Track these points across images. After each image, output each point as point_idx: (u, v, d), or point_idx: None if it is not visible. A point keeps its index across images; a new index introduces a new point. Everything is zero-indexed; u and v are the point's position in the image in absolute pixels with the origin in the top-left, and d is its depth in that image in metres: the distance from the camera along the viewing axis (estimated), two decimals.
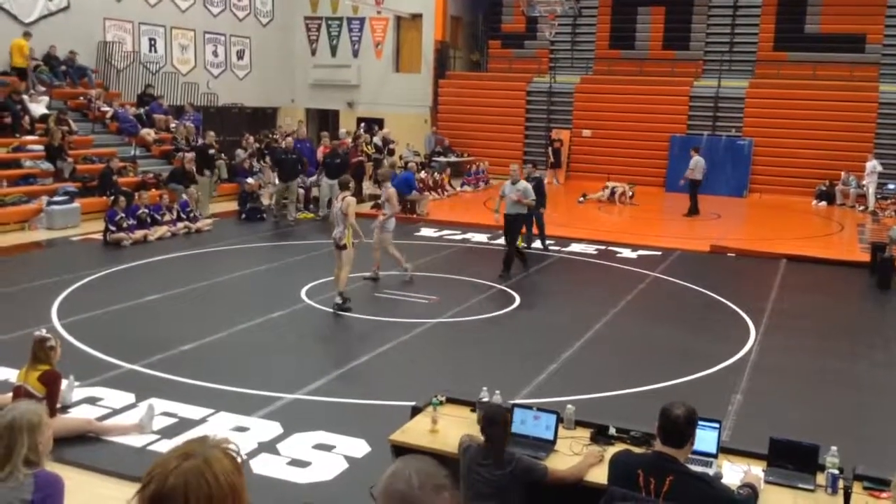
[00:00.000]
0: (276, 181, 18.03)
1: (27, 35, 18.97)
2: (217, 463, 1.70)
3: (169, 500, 1.64)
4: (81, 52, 20.39)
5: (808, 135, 22.68)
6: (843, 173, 21.58)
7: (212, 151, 17.53)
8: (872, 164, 20.38)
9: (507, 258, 12.50)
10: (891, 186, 21.49)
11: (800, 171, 22.70)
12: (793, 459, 4.31)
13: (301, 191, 17.84)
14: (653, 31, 26.06)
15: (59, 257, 13.01)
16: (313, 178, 18.35)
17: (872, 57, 23.70)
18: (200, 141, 19.18)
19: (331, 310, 10.05)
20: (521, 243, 13.68)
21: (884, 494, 4.02)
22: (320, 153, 18.96)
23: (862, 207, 20.59)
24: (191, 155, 17.99)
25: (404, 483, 1.70)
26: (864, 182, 20.76)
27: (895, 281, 12.63)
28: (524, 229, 13.50)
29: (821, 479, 4.21)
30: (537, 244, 14.31)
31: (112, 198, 14.64)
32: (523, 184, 12.58)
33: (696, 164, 18.97)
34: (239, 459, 1.76)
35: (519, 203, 12.35)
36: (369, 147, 21.93)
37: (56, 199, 15.37)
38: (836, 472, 4.17)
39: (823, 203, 21.51)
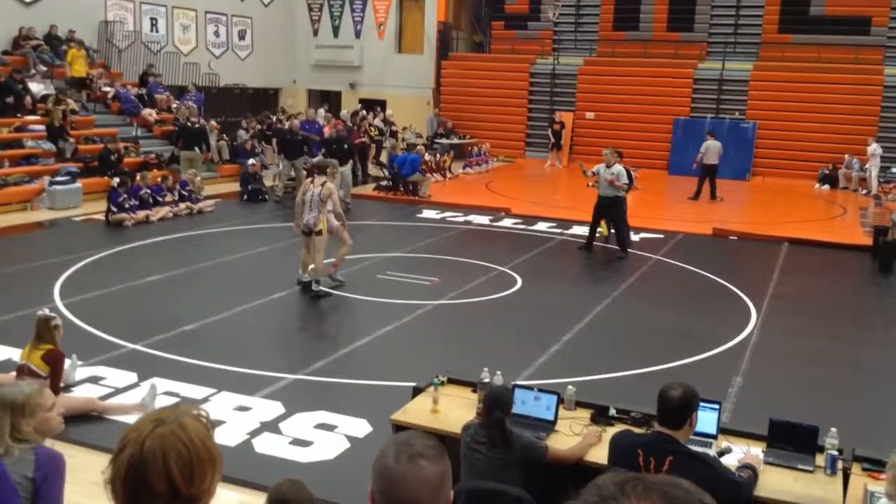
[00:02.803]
0: (281, 163, 17.99)
1: (82, 44, 19.31)
2: (192, 428, 1.72)
3: (147, 463, 1.65)
4: (82, 31, 20.31)
5: (812, 118, 22.59)
6: (846, 156, 21.52)
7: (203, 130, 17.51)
8: (874, 147, 20.33)
9: (619, 239, 12.87)
10: (894, 170, 21.43)
11: (803, 154, 22.64)
12: (792, 441, 4.32)
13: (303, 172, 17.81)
14: (657, 13, 25.89)
15: (62, 237, 13.02)
16: (317, 159, 18.28)
17: (878, 40, 23.56)
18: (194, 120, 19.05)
19: (332, 290, 10.07)
20: (605, 232, 13.67)
21: (882, 475, 4.03)
22: (327, 133, 18.94)
23: (865, 191, 20.55)
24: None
25: (385, 457, 1.72)
26: (866, 165, 20.72)
27: None
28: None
29: (820, 460, 4.23)
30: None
31: (114, 179, 14.64)
32: (618, 167, 12.81)
33: (707, 148, 19.02)
34: (210, 427, 1.77)
35: (612, 185, 12.65)
36: (372, 129, 21.88)
37: (58, 179, 15.36)
38: (836, 453, 4.19)
39: (826, 186, 21.46)
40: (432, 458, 1.68)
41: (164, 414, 1.75)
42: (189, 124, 18.18)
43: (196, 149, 17.73)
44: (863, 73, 22.68)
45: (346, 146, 17.02)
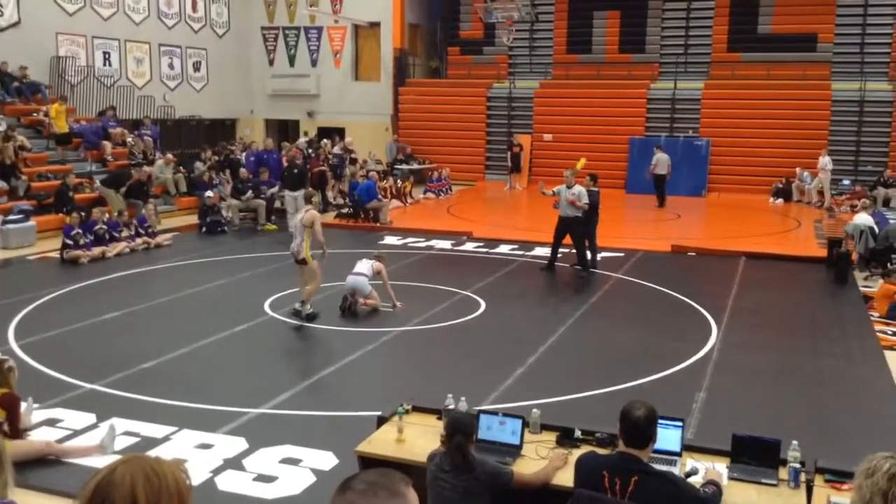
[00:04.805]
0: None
1: (63, 99, 19.10)
2: (167, 465, 1.71)
3: (115, 486, 1.63)
4: (34, 67, 20.06)
5: (763, 133, 23.07)
6: (797, 170, 21.97)
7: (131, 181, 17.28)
8: (825, 161, 20.84)
9: (579, 258, 13.06)
10: (846, 182, 21.93)
11: (757, 169, 23.09)
12: (755, 455, 4.35)
13: (261, 202, 17.77)
14: (609, 35, 26.34)
15: (15, 277, 12.75)
16: (274, 190, 18.28)
17: (824, 56, 24.20)
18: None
19: (295, 321, 9.98)
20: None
21: (845, 486, 4.07)
22: (285, 162, 19.02)
23: (820, 203, 20.96)
24: (148, 168, 17.75)
25: None
26: (817, 177, 21.18)
27: (852, 275, 12.89)
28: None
29: (783, 473, 4.27)
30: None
31: (68, 214, 14.41)
32: (578, 188, 12.99)
33: (658, 160, 21.18)
34: (188, 480, 1.73)
35: (573, 206, 12.80)
36: (331, 156, 21.85)
37: (11, 217, 15.07)
38: (798, 465, 4.22)
39: (780, 200, 21.88)
40: (363, 493, 1.61)
41: (142, 455, 1.74)
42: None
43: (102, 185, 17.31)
44: (811, 89, 23.25)
45: (296, 171, 17.37)
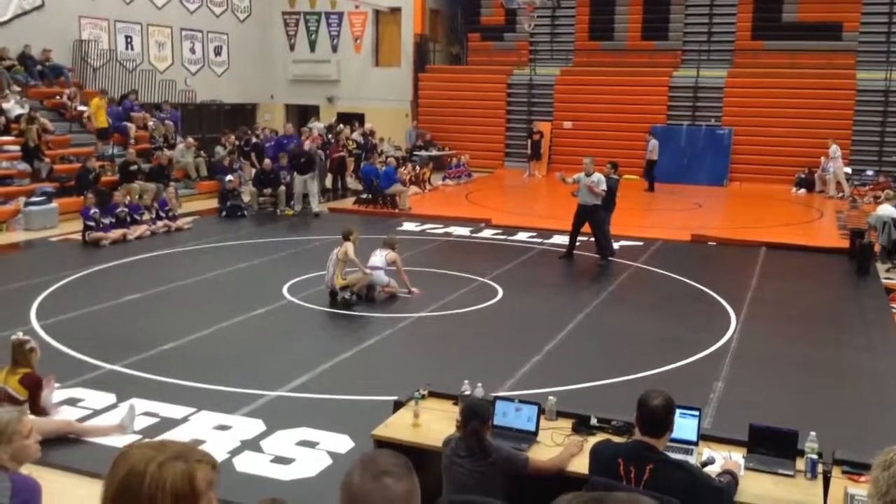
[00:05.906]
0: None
1: (104, 93, 19.10)
2: (174, 468, 1.72)
3: (133, 475, 1.66)
4: (57, 50, 20.20)
5: (787, 123, 22.81)
6: (822, 159, 21.72)
7: (133, 168, 17.29)
8: (834, 149, 20.69)
9: (599, 246, 13.08)
10: (869, 173, 21.68)
11: (779, 159, 22.84)
12: (772, 445, 4.34)
13: (281, 188, 17.81)
14: (631, 22, 26.10)
15: (38, 258, 12.89)
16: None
17: (849, 45, 23.86)
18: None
19: (312, 306, 10.07)
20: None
21: (863, 478, 4.05)
22: (307, 147, 19.10)
23: (840, 194, 20.75)
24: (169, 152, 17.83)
25: (351, 476, 1.71)
26: (830, 166, 20.97)
27: (874, 266, 12.76)
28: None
29: (800, 464, 4.25)
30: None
31: (87, 196, 14.51)
32: (598, 175, 12.96)
33: (654, 147, 21.87)
34: (200, 486, 1.74)
35: (592, 193, 12.76)
36: (350, 142, 21.88)
37: (34, 199, 15.22)
38: (815, 457, 4.20)
39: (803, 190, 21.68)
40: (397, 476, 1.65)
41: (174, 443, 1.76)
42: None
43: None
44: (835, 78, 22.95)
45: (303, 159, 17.74)
